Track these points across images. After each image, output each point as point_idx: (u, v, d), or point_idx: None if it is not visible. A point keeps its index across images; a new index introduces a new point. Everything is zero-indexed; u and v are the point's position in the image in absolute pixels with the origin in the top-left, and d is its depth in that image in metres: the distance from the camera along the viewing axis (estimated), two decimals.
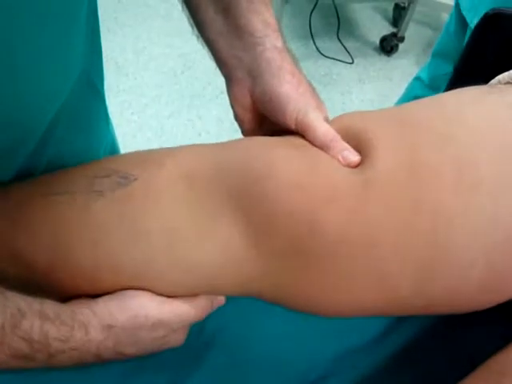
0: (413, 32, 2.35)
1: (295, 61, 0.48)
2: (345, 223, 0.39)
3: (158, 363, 0.50)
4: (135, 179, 0.43)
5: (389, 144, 0.41)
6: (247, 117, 0.50)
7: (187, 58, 2.11)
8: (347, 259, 0.40)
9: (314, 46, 2.18)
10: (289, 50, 0.48)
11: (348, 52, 2.21)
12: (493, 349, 0.44)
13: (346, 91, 2.12)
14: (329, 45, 2.23)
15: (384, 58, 2.30)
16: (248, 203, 0.40)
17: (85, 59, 0.48)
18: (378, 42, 2.32)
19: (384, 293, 0.42)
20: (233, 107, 0.51)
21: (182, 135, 1.89)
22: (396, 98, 1.45)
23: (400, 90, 1.47)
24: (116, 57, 2.08)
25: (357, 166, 0.42)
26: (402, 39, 2.27)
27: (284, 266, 0.41)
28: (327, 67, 2.20)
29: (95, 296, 0.43)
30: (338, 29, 2.20)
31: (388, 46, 2.28)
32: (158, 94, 2.02)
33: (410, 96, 1.30)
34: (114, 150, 0.75)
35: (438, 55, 1.14)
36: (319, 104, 0.46)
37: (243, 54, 0.48)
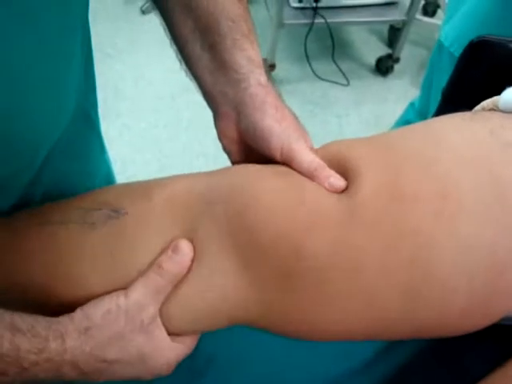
0: (408, 53, 2.38)
1: (278, 95, 0.49)
2: (330, 250, 0.40)
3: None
4: (125, 213, 0.44)
5: (373, 170, 0.42)
6: (234, 148, 0.52)
7: (184, 82, 2.12)
8: (334, 284, 0.41)
9: (309, 69, 2.20)
10: (272, 85, 0.50)
11: (343, 74, 2.23)
12: (486, 368, 0.45)
13: (342, 113, 2.14)
14: (325, 67, 2.25)
15: (380, 79, 2.32)
16: (236, 235, 0.41)
17: (79, 93, 0.50)
18: (373, 63, 2.35)
19: (373, 316, 0.42)
20: (220, 140, 0.52)
21: (180, 158, 1.90)
22: (392, 119, 1.47)
23: (396, 110, 1.48)
24: (115, 81, 2.10)
25: (343, 191, 0.43)
26: (397, 60, 2.29)
27: (274, 293, 0.42)
28: (323, 89, 2.22)
29: None
30: (334, 51, 2.23)
31: (383, 67, 2.30)
32: (157, 117, 2.04)
33: (403, 120, 1.33)
34: (109, 178, 0.77)
35: (426, 87, 1.17)
36: (303, 134, 0.48)
37: (228, 90, 0.50)
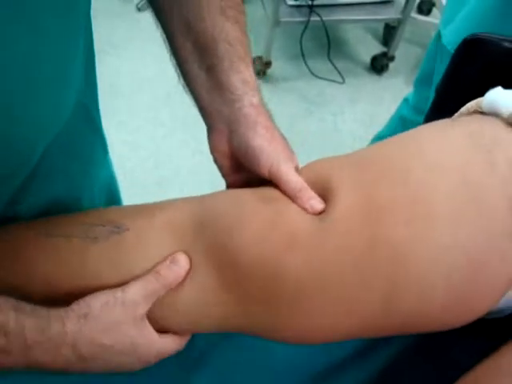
0: (403, 51, 2.39)
1: (270, 116, 0.53)
2: (304, 268, 0.43)
3: (146, 378, 0.52)
4: (127, 229, 0.48)
5: (347, 189, 0.45)
6: (225, 163, 0.55)
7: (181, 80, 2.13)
8: (313, 298, 0.44)
9: (305, 67, 2.21)
10: (264, 106, 0.53)
11: (339, 72, 2.24)
12: (473, 361, 0.45)
13: (338, 111, 2.15)
14: (320, 65, 2.26)
15: (375, 77, 2.33)
16: (220, 255, 0.45)
17: (79, 89, 0.51)
18: (368, 61, 2.36)
19: (355, 320, 0.45)
20: (212, 153, 0.56)
21: (176, 155, 1.91)
22: (387, 117, 1.48)
23: (391, 108, 1.49)
24: (111, 79, 2.10)
25: (322, 212, 0.46)
26: (392, 58, 2.30)
27: (256, 308, 0.45)
28: (319, 87, 2.23)
29: None
30: (329, 49, 2.24)
31: (379, 66, 2.32)
32: (153, 115, 2.05)
33: (397, 116, 1.33)
34: (111, 181, 0.78)
35: (421, 81, 1.18)
36: (291, 155, 0.51)
37: (223, 108, 0.53)
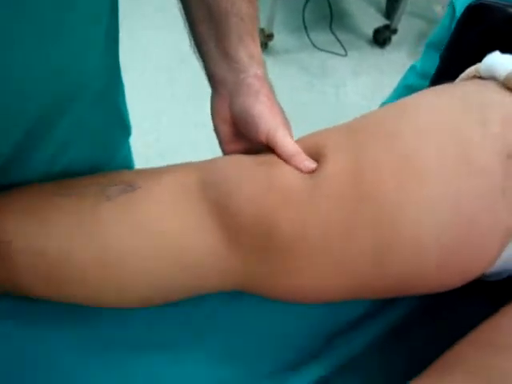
0: (405, 24, 2.37)
1: (272, 89, 0.55)
2: (298, 221, 0.45)
3: (155, 340, 0.53)
4: (139, 187, 0.50)
5: (337, 151, 0.48)
6: (225, 129, 0.57)
7: (183, 52, 2.13)
8: (306, 252, 0.46)
9: (307, 39, 2.20)
10: (268, 80, 0.55)
11: (341, 44, 2.23)
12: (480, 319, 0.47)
13: (340, 84, 2.14)
14: (322, 37, 2.25)
15: (377, 50, 2.32)
16: (222, 211, 0.48)
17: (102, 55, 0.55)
18: (371, 34, 2.34)
19: (346, 280, 0.47)
20: (213, 118, 0.58)
21: (178, 128, 1.91)
22: (389, 90, 1.47)
23: (393, 81, 1.48)
24: None
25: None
26: (394, 31, 2.29)
27: (254, 264, 0.48)
28: (321, 60, 2.22)
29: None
30: (331, 21, 2.22)
31: (381, 39, 2.30)
32: (155, 88, 2.04)
33: (402, 85, 1.32)
34: (127, 162, 0.80)
35: (431, 45, 1.17)
36: (288, 127, 0.53)
37: (228, 76, 0.55)
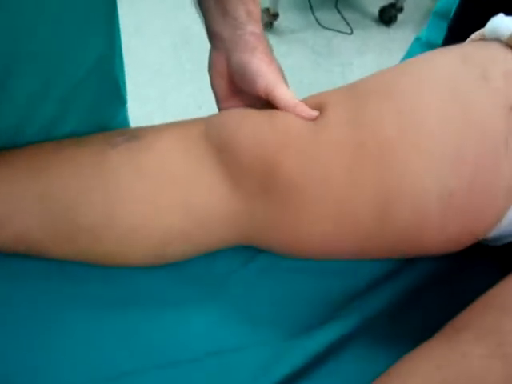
0: (411, 2, 2.35)
1: (269, 46, 0.55)
2: (299, 166, 0.46)
3: (168, 299, 0.54)
4: (143, 137, 0.52)
5: (338, 104, 0.49)
6: (222, 84, 0.57)
7: (187, 32, 2.12)
8: (307, 193, 0.47)
9: (313, 18, 2.19)
10: (265, 38, 0.55)
11: (347, 23, 2.22)
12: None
13: (345, 62, 2.13)
14: (328, 16, 2.23)
15: (383, 28, 2.30)
16: (225, 155, 0.49)
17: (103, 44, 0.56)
18: (377, 12, 2.32)
19: (351, 224, 0.47)
20: (209, 72, 0.58)
21: (183, 108, 1.91)
22: None
23: (399, 59, 1.48)
24: None
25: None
26: (400, 9, 2.27)
27: (257, 204, 0.49)
28: (327, 39, 2.20)
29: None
30: (337, 0, 2.20)
31: (387, 17, 2.28)
32: (159, 68, 2.04)
33: (409, 57, 1.31)
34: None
35: (438, 14, 1.15)
36: (286, 83, 0.54)
37: (225, 32, 0.55)
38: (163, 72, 2.02)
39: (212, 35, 0.57)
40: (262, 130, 0.48)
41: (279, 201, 0.47)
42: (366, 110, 0.47)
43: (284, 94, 0.51)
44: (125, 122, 0.79)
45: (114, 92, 0.66)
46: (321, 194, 0.46)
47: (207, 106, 1.92)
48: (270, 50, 0.55)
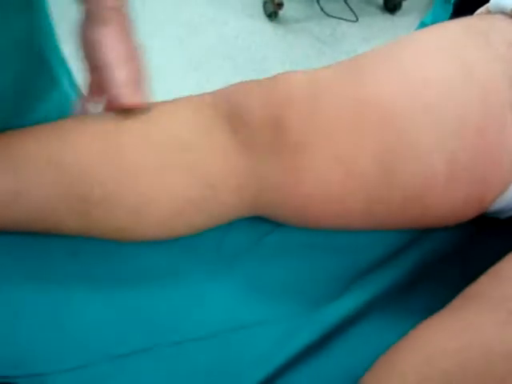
0: None
1: (129, 23, 0.57)
2: (303, 120, 0.48)
3: (177, 276, 0.55)
4: (153, 109, 0.53)
5: (340, 66, 0.51)
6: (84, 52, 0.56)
7: (192, 24, 2.12)
8: (311, 150, 0.48)
9: (317, 6, 2.18)
10: (126, 16, 0.57)
11: (352, 10, 2.20)
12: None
13: (351, 51, 2.12)
14: (333, 4, 2.22)
15: (388, 16, 2.29)
16: (234, 121, 0.50)
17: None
18: (381, 0, 2.31)
19: (355, 184, 0.48)
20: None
21: None
22: None
23: None
24: None
25: None
26: None
27: (269, 165, 0.49)
28: (332, 27, 2.20)
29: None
30: None
31: (392, 4, 2.27)
32: (165, 60, 2.04)
33: None
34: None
35: None
36: (135, 61, 0.56)
37: (86, 5, 0.54)
38: (169, 64, 2.02)
39: (81, 9, 0.56)
40: (268, 93, 0.50)
41: (287, 160, 0.48)
42: (368, 71, 0.48)
43: (117, 71, 0.52)
44: (63, 109, 0.77)
45: (41, 72, 0.64)
46: (325, 150, 0.47)
47: None
48: (128, 26, 0.56)
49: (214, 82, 1.97)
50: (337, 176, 0.48)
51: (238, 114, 0.50)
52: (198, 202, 0.51)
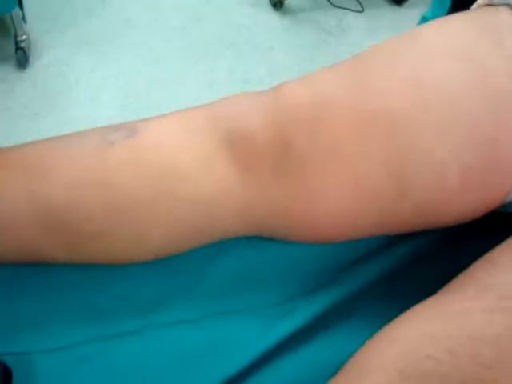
0: None
1: None
2: (309, 136, 0.45)
3: (164, 261, 0.54)
4: (144, 130, 0.48)
5: (343, 72, 0.48)
6: None
7: (196, 11, 2.11)
8: (318, 167, 0.46)
9: None
10: None
11: (358, 1, 2.19)
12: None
13: (356, 42, 2.11)
14: None
15: (395, 8, 2.27)
16: (234, 140, 0.47)
17: None
18: None
19: (365, 198, 0.46)
20: None
21: (193, 87, 1.90)
22: None
23: None
24: (126, 12, 2.08)
25: None
26: None
27: (272, 187, 0.47)
28: (337, 17, 2.18)
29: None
30: None
31: None
32: (169, 47, 2.03)
33: None
34: None
35: None
36: None
37: None
38: (173, 51, 2.02)
39: None
40: (271, 112, 0.47)
41: (292, 180, 0.46)
42: (374, 77, 0.46)
43: None
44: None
45: None
46: (332, 166, 0.45)
47: (218, 84, 1.92)
48: None
49: (217, 71, 1.95)
50: (347, 192, 0.46)
51: (239, 137, 0.47)
52: (198, 232, 0.49)
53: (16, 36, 1.79)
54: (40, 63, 1.90)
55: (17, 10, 1.72)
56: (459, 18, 0.50)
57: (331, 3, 2.17)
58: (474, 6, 0.55)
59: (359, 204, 0.46)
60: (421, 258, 0.57)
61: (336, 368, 0.43)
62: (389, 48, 0.49)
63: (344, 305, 0.53)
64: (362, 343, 0.43)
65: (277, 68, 1.95)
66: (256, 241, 0.56)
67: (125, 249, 0.49)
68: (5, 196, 0.46)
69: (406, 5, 2.27)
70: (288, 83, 0.49)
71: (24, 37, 1.81)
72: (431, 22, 0.51)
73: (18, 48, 1.81)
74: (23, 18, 1.80)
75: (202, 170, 0.47)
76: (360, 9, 2.17)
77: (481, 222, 0.52)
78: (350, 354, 0.43)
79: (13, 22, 1.75)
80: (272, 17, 2.13)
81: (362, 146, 0.44)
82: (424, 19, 1.24)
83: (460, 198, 0.46)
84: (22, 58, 1.83)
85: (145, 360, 0.49)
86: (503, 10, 0.49)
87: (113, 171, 0.47)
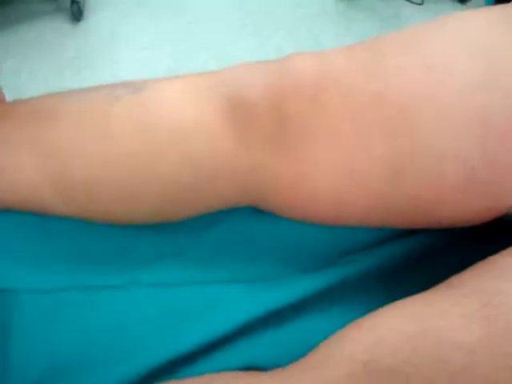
0: None
1: None
2: (308, 110, 0.44)
3: (160, 226, 0.54)
4: (148, 88, 0.49)
5: (353, 52, 0.46)
6: None
7: None
8: (315, 144, 0.45)
9: None
10: None
11: None
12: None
13: None
14: None
15: (457, 5, 2.20)
16: (234, 106, 0.47)
17: None
18: None
19: (361, 182, 0.45)
20: None
21: (240, 59, 1.88)
22: None
23: None
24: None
25: None
26: None
27: (262, 154, 0.47)
28: (396, 8, 2.13)
29: None
30: None
31: None
32: (222, 18, 2.03)
33: None
34: None
35: None
36: None
37: None
38: (226, 22, 2.02)
39: None
40: (274, 81, 0.46)
41: (288, 153, 0.46)
42: (387, 60, 0.44)
43: None
44: None
45: None
46: (327, 146, 0.45)
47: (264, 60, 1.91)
48: None
49: (266, 48, 1.94)
50: (338, 173, 0.46)
51: (241, 102, 0.47)
52: (191, 192, 0.49)
53: None
54: (93, 19, 1.93)
55: None
56: (492, 11, 0.48)
57: None
58: None
59: (349, 188, 0.46)
60: (425, 255, 0.56)
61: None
62: (411, 34, 0.48)
63: (337, 291, 0.53)
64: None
65: None
66: (257, 215, 0.56)
67: (114, 203, 0.49)
68: (9, 140, 0.48)
69: (469, 3, 2.21)
70: (297, 55, 0.48)
71: None
72: (461, 13, 0.49)
73: (73, 1, 1.83)
74: None
75: (197, 129, 0.47)
76: (419, 1, 2.12)
77: (485, 227, 0.50)
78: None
79: None
80: (328, 0, 2.10)
81: (360, 127, 0.44)
82: None
83: (459, 198, 0.44)
84: (76, 12, 1.86)
85: (125, 316, 0.49)
86: None
87: (113, 124, 0.48)
